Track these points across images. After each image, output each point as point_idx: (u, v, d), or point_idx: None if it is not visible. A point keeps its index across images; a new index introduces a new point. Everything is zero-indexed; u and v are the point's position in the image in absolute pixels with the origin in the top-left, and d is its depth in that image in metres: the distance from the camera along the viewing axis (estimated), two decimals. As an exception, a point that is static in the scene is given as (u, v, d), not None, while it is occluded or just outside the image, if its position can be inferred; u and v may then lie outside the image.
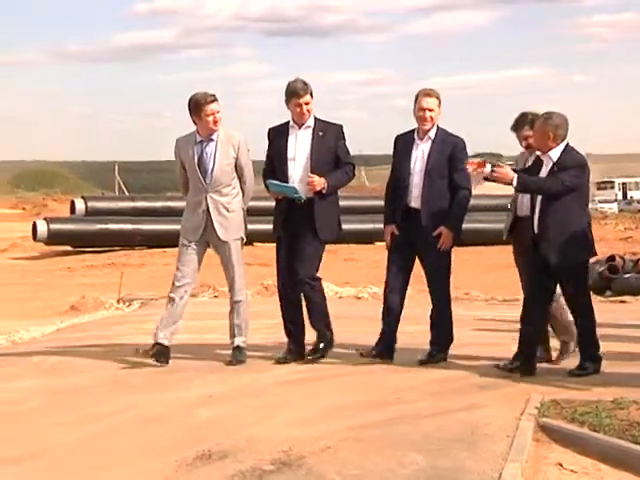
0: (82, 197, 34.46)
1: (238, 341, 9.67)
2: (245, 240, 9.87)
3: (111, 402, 8.17)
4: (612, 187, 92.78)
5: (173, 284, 9.71)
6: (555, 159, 8.67)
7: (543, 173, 8.80)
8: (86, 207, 33.20)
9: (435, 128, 9.46)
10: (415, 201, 9.41)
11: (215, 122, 9.29)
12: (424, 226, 9.32)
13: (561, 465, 6.75)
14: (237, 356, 9.63)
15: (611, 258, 20.16)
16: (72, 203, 34.79)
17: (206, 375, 9.13)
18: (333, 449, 6.77)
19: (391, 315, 9.61)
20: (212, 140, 9.39)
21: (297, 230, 9.46)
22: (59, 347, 10.93)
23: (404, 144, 9.62)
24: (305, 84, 9.36)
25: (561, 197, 8.63)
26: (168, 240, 25.06)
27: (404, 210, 9.49)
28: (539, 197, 8.81)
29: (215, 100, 9.31)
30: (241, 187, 9.62)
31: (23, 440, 7.19)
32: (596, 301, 16.72)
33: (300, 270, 9.46)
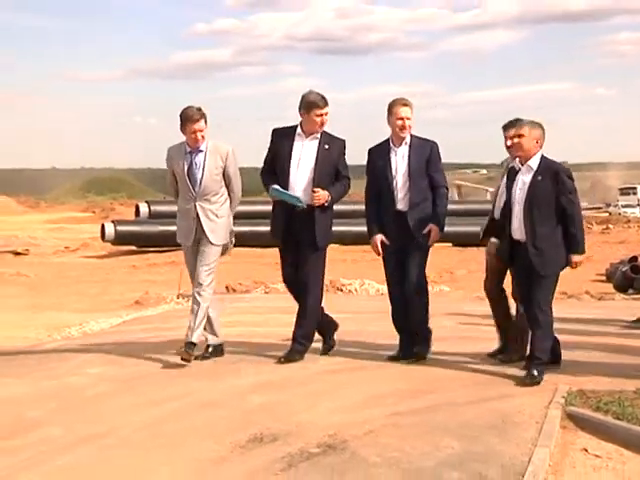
0: (146, 201, 34.57)
1: (190, 336, 9.08)
2: (234, 242, 9.61)
3: (171, 388, 8.20)
4: (634, 193, 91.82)
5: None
6: (535, 167, 8.26)
7: (522, 182, 8.30)
8: (149, 210, 33.30)
9: (409, 135, 9.11)
10: (401, 203, 9.04)
11: (197, 140, 8.98)
12: (411, 226, 8.96)
13: (586, 450, 6.74)
14: (187, 350, 8.98)
15: (634, 259, 19.97)
16: (137, 207, 34.93)
17: (258, 365, 9.10)
18: (374, 434, 6.77)
19: (400, 311, 9.28)
20: (201, 151, 9.08)
21: (298, 238, 9.12)
22: (125, 338, 10.98)
23: (380, 154, 9.18)
24: (323, 97, 9.04)
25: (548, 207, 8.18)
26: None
27: (392, 214, 9.08)
28: (518, 203, 8.30)
29: (200, 119, 8.97)
30: (229, 194, 9.31)
31: (94, 421, 7.25)
32: (619, 298, 16.75)
33: (306, 278, 9.17)
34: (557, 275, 8.37)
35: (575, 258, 8.29)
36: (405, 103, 9.02)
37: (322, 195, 8.88)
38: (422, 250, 9.11)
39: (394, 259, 9.18)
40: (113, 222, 32.88)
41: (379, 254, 9.22)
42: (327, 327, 9.67)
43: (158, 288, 17.83)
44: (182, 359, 8.91)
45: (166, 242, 28.49)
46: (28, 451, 6.59)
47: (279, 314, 9.94)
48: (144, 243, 31.90)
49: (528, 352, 8.48)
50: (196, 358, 9.11)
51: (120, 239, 31.87)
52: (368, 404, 7.58)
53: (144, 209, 33.67)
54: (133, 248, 31.87)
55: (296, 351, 9.22)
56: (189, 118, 8.88)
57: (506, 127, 9.22)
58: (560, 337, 8.69)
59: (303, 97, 9.00)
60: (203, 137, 8.97)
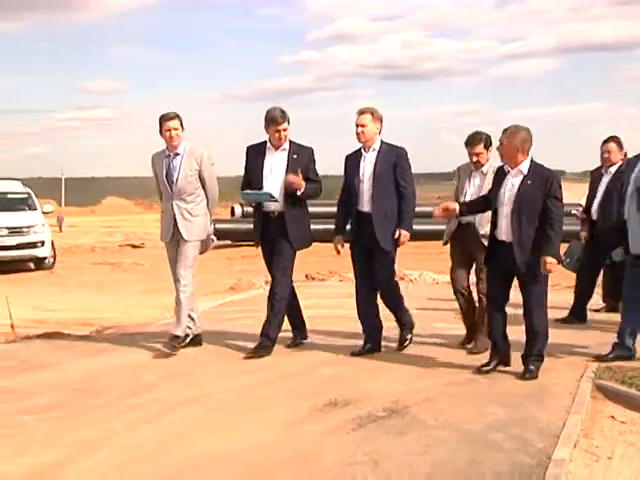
0: (240, 204, 34.57)
1: (175, 330, 8.49)
2: (215, 240, 9.16)
3: (258, 361, 8.25)
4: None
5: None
6: (525, 172, 7.32)
7: (511, 185, 7.39)
8: (243, 211, 33.19)
9: (379, 142, 8.27)
10: (366, 205, 8.23)
11: (171, 138, 8.38)
12: (376, 227, 8.13)
13: (613, 417, 6.71)
14: (171, 343, 8.47)
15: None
16: (232, 208, 34.96)
17: (328, 341, 9.11)
18: (431, 401, 6.77)
19: (368, 310, 8.56)
20: (178, 154, 8.48)
21: (274, 240, 8.46)
22: (222, 317, 11.03)
23: (353, 160, 8.39)
24: (283, 112, 8.31)
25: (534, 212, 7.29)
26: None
27: (356, 214, 8.34)
28: (506, 205, 7.40)
29: (174, 118, 8.42)
30: (206, 195, 8.70)
31: (196, 386, 7.35)
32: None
33: (274, 273, 8.59)
34: (546, 276, 7.43)
35: (547, 259, 7.19)
36: (362, 111, 8.22)
37: (298, 180, 8.22)
38: (387, 254, 8.29)
39: (361, 258, 8.43)
40: (213, 221, 33.03)
41: (338, 253, 8.53)
42: (300, 324, 9.02)
43: (249, 276, 17.82)
44: (167, 350, 8.35)
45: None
46: (144, 409, 6.70)
47: (349, 298, 9.84)
48: (237, 238, 31.95)
49: (525, 350, 7.57)
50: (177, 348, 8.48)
51: (218, 235, 32.01)
52: (423, 376, 7.57)
53: (238, 210, 33.62)
54: (229, 242, 31.94)
55: (263, 346, 8.45)
56: (164, 117, 8.39)
57: (467, 143, 8.58)
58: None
59: (266, 113, 8.37)
60: (178, 136, 8.42)
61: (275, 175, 8.35)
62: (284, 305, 8.59)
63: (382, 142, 8.30)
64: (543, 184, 7.28)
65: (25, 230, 22.31)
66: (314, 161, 8.60)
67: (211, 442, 5.84)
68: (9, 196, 23.54)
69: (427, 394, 6.93)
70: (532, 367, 7.41)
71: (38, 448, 5.81)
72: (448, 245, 8.84)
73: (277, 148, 8.39)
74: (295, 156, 8.36)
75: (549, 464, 5.26)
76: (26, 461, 5.56)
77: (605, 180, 9.76)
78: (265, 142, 8.47)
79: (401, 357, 8.36)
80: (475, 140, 8.60)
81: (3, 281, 17.70)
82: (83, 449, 5.76)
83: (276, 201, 8.28)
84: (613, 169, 9.65)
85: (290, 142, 8.42)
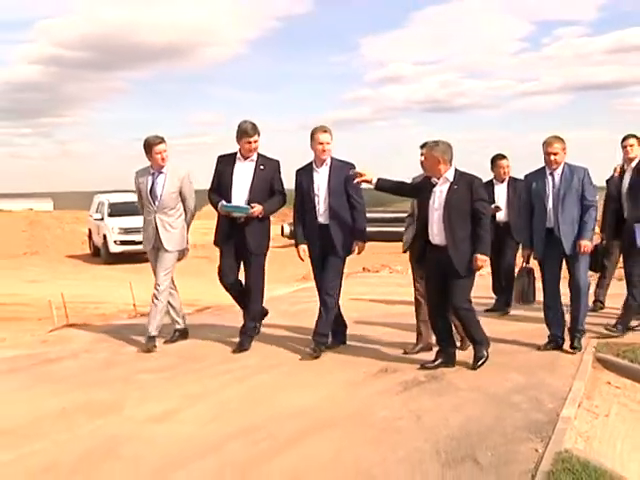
0: (288, 223, 34.59)
1: (152, 331, 7.81)
2: (189, 249, 8.31)
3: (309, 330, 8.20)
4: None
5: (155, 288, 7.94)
6: (451, 179, 6.63)
7: (440, 192, 6.68)
8: (290, 230, 33.24)
9: (329, 158, 7.45)
10: (322, 217, 7.39)
11: (163, 159, 7.75)
12: (332, 237, 7.33)
13: (609, 383, 6.70)
14: (147, 344, 7.77)
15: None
16: (282, 227, 34.93)
17: (382, 320, 9.11)
18: (462, 370, 6.78)
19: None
20: (162, 172, 7.82)
21: (238, 246, 7.63)
22: (296, 301, 11.08)
23: (305, 174, 7.50)
24: (254, 126, 7.52)
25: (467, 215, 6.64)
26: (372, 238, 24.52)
27: (316, 227, 7.43)
28: (437, 210, 6.68)
29: (161, 142, 7.77)
30: (185, 209, 8.00)
31: (276, 355, 7.39)
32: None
33: (249, 283, 7.72)
34: (474, 274, 6.79)
35: (480, 257, 6.60)
36: (325, 130, 7.43)
37: (257, 209, 7.44)
38: (339, 259, 7.43)
39: (318, 266, 7.55)
40: (288, 224, 33.08)
41: (303, 260, 7.64)
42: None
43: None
44: (144, 351, 7.69)
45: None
46: (234, 373, 6.80)
47: (398, 287, 9.87)
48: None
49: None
50: (166, 342, 8.00)
51: (293, 235, 31.92)
52: (457, 351, 7.47)
53: (287, 229, 33.64)
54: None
55: (246, 341, 7.71)
56: (152, 143, 7.72)
57: (421, 147, 7.71)
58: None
59: (238, 126, 7.57)
60: (167, 157, 7.80)
61: (242, 186, 7.59)
62: (260, 305, 7.91)
63: (332, 158, 7.48)
64: (469, 189, 6.63)
65: (138, 229, 22.57)
66: (280, 173, 7.81)
67: (286, 400, 5.92)
68: (130, 204, 23.88)
69: (459, 364, 6.92)
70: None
71: (155, 399, 5.99)
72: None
73: (246, 159, 7.62)
74: (262, 167, 7.64)
75: (558, 421, 5.28)
76: (147, 408, 5.76)
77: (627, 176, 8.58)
78: (235, 153, 7.69)
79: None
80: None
81: (129, 270, 17.98)
82: (188, 401, 5.92)
83: (248, 214, 7.47)
84: (634, 163, 8.54)
85: (258, 154, 7.67)
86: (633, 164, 8.37)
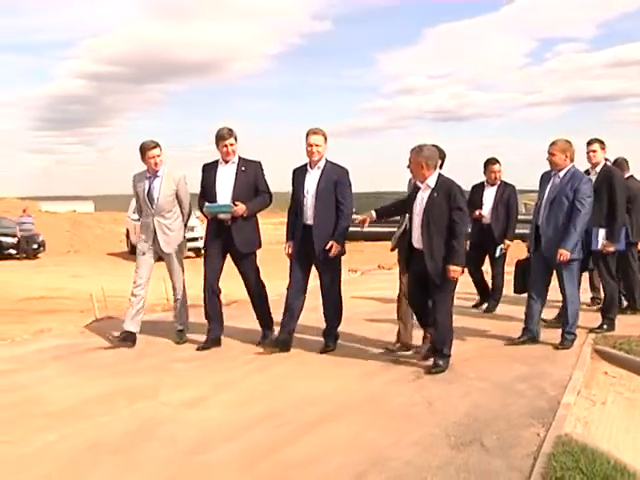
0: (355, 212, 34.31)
1: (179, 326, 7.78)
2: (187, 249, 7.98)
3: (355, 322, 8.21)
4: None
5: (134, 283, 7.66)
6: (433, 185, 6.23)
7: (421, 198, 6.31)
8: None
9: (324, 160, 7.04)
10: (309, 218, 7.01)
11: (156, 164, 7.40)
12: (316, 239, 6.94)
13: (606, 373, 6.68)
14: (179, 336, 7.73)
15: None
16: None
17: (388, 317, 9.07)
18: (471, 360, 6.78)
19: (292, 312, 7.20)
20: (158, 176, 7.48)
21: (225, 247, 7.36)
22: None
23: (300, 174, 7.15)
24: (230, 130, 7.24)
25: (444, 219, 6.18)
26: (380, 238, 24.56)
27: (301, 226, 7.08)
28: (418, 215, 6.34)
29: (155, 147, 7.41)
30: (181, 212, 7.69)
31: (294, 348, 7.33)
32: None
33: (248, 283, 7.58)
34: (453, 283, 6.31)
35: (452, 268, 6.14)
36: (315, 132, 7.04)
37: (240, 208, 7.15)
38: (331, 261, 7.05)
39: (300, 265, 7.13)
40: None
41: (290, 258, 7.21)
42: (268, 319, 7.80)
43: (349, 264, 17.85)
44: (177, 342, 7.63)
45: (354, 237, 28.17)
46: (259, 362, 6.84)
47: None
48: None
49: (427, 345, 6.80)
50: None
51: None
52: (464, 342, 7.52)
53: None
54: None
55: (265, 336, 7.60)
56: (146, 147, 7.38)
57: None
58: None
59: (216, 132, 7.31)
60: (161, 161, 7.45)
61: (225, 188, 7.28)
62: (266, 297, 7.70)
63: (327, 161, 7.09)
64: (447, 196, 6.17)
65: (188, 229, 22.57)
66: (262, 173, 7.46)
67: (305, 388, 5.93)
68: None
69: (468, 355, 6.93)
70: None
71: (187, 386, 6.02)
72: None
73: (227, 162, 7.31)
74: (243, 169, 7.32)
75: (558, 407, 5.27)
76: (180, 394, 5.78)
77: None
78: (218, 159, 7.38)
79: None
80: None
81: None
82: (218, 388, 5.96)
83: (232, 211, 7.18)
84: (598, 168, 8.33)
85: (239, 157, 7.35)
86: (597, 169, 8.24)
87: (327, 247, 6.94)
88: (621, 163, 8.97)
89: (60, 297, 13.44)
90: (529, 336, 7.34)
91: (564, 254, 6.96)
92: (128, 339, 7.51)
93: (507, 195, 9.19)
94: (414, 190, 6.48)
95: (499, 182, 9.32)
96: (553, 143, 7.13)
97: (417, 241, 6.39)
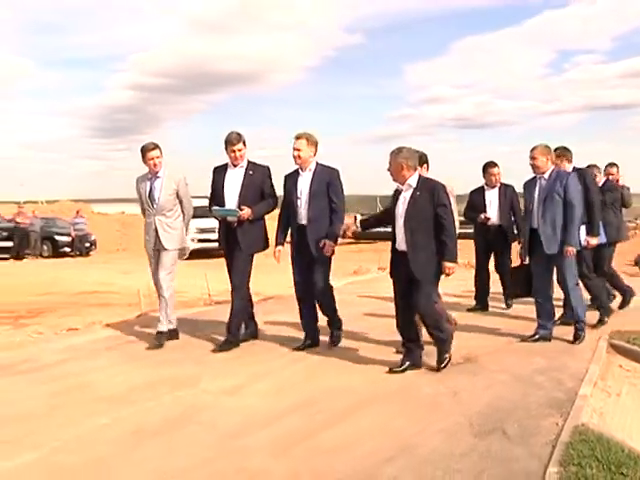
0: (360, 213, 34.48)
1: (160, 327, 7.37)
2: (190, 248, 7.76)
3: (359, 318, 8.20)
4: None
5: (156, 285, 7.52)
6: (414, 185, 5.88)
7: (404, 198, 5.95)
8: (362, 219, 33.14)
9: (314, 163, 6.82)
10: (303, 219, 6.80)
11: (155, 165, 7.22)
12: (309, 238, 6.74)
13: (621, 366, 6.62)
14: (158, 339, 7.33)
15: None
16: (355, 217, 34.84)
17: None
18: (493, 354, 6.74)
19: (307, 312, 7.12)
20: (159, 177, 7.28)
21: (232, 247, 7.07)
22: (349, 291, 11.08)
23: (291, 179, 6.91)
24: (239, 135, 7.02)
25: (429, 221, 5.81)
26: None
27: (296, 227, 6.88)
28: (401, 216, 5.94)
29: (155, 148, 7.23)
30: (182, 211, 7.48)
31: (320, 340, 7.31)
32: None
33: (234, 279, 7.15)
34: (437, 280, 5.98)
35: (447, 264, 5.80)
36: (298, 136, 6.79)
37: (245, 212, 6.91)
38: (323, 259, 6.81)
39: (298, 264, 6.95)
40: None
41: (278, 262, 6.90)
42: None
43: (366, 264, 17.85)
44: (154, 346, 7.22)
45: (373, 237, 28.29)
46: (293, 355, 6.86)
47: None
48: (358, 239, 31.94)
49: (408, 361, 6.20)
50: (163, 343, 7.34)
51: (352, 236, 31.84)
52: (487, 338, 7.49)
53: (359, 218, 33.56)
54: (352, 241, 31.83)
55: (229, 341, 7.16)
56: (146, 149, 7.21)
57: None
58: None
59: (225, 137, 7.08)
60: (160, 163, 7.25)
61: (232, 191, 7.07)
62: (246, 304, 7.33)
63: (317, 164, 6.87)
64: (430, 194, 5.82)
65: (213, 229, 22.79)
66: (270, 177, 7.20)
67: (335, 379, 5.93)
68: (204, 208, 24.11)
69: (490, 349, 6.90)
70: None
71: (226, 376, 6.05)
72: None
73: (235, 166, 7.09)
74: (251, 172, 7.07)
75: (576, 398, 5.21)
76: (219, 383, 5.82)
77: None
78: (227, 163, 7.17)
79: (472, 325, 8.23)
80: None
81: (205, 264, 18.10)
82: (254, 378, 5.97)
83: (237, 216, 6.96)
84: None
85: (248, 161, 7.13)
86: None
87: (320, 245, 6.73)
88: (592, 168, 8.95)
89: (110, 292, 13.53)
90: (542, 334, 7.23)
91: (570, 250, 6.87)
92: (161, 339, 7.33)
93: (510, 196, 9.11)
94: (395, 194, 6.15)
95: (499, 184, 9.21)
96: (534, 148, 7.04)
97: (401, 243, 5.99)
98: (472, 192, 9.36)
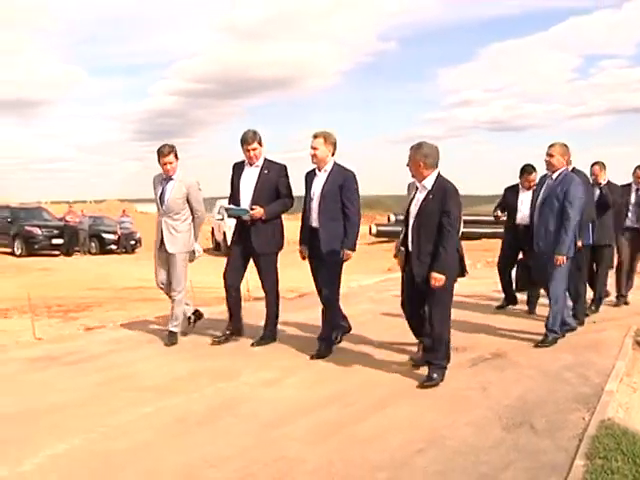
0: (393, 213, 34.41)
1: (171, 326, 7.27)
2: (201, 252, 7.35)
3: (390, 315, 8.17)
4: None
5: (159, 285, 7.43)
6: (429, 187, 5.37)
7: (417, 199, 5.47)
8: (396, 218, 33.01)
9: (332, 163, 6.41)
10: (315, 221, 6.44)
11: (167, 170, 6.96)
12: (321, 241, 6.34)
13: (648, 363, 6.55)
14: (170, 339, 7.22)
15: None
16: (389, 216, 34.83)
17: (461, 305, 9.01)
18: (521, 349, 6.71)
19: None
20: (172, 179, 7.01)
21: (244, 246, 6.88)
22: (380, 289, 11.09)
23: (309, 178, 6.56)
24: (254, 134, 6.78)
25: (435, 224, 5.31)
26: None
27: (309, 229, 6.55)
28: (413, 217, 5.50)
29: (169, 154, 6.93)
30: (193, 216, 7.15)
31: (354, 335, 7.30)
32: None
33: (264, 285, 7.02)
34: (451, 286, 5.48)
35: (434, 276, 5.27)
36: (315, 135, 6.42)
37: (257, 212, 6.71)
38: (332, 264, 6.41)
39: (312, 265, 6.67)
40: (375, 225, 33.06)
41: (303, 259, 6.72)
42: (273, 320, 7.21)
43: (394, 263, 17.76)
44: (166, 345, 7.14)
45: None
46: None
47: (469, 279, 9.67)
48: (392, 237, 31.88)
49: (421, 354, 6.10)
50: (185, 334, 7.44)
51: (379, 235, 31.87)
52: (515, 336, 7.41)
53: (392, 218, 33.42)
54: (386, 239, 31.76)
55: (268, 336, 7.11)
56: (162, 153, 6.91)
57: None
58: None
59: (241, 135, 6.85)
60: (174, 168, 6.99)
61: (247, 190, 6.84)
62: (277, 302, 7.12)
63: (335, 164, 6.46)
64: (442, 197, 5.32)
65: None
66: (286, 176, 6.91)
67: (367, 373, 5.94)
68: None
69: (519, 345, 6.87)
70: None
71: (264, 368, 6.10)
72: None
73: (251, 165, 6.85)
74: (266, 171, 6.82)
75: (602, 394, 5.19)
76: (258, 375, 5.88)
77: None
78: (244, 160, 6.94)
79: (501, 322, 8.17)
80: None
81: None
82: (287, 371, 6.01)
83: (248, 216, 6.77)
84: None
85: (265, 159, 6.87)
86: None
87: (341, 255, 6.34)
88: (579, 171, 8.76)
89: (154, 287, 13.67)
90: (564, 330, 7.09)
91: (559, 259, 6.60)
92: (172, 338, 7.24)
93: None
94: (409, 189, 5.90)
95: (534, 187, 9.05)
96: (552, 145, 6.82)
97: (410, 243, 5.60)
98: (507, 189, 9.07)
